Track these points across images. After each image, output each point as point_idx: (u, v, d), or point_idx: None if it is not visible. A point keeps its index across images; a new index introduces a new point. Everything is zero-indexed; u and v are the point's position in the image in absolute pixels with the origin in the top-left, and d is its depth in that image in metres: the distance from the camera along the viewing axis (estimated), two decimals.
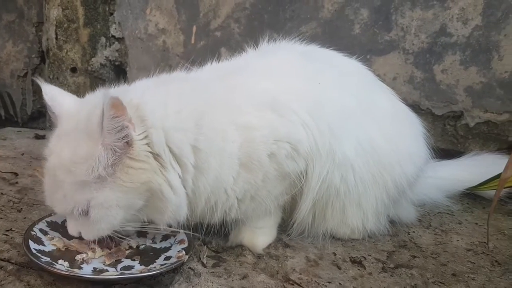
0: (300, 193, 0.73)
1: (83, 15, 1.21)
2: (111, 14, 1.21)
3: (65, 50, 1.25)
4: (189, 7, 1.17)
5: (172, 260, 0.65)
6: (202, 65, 0.83)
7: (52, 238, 0.68)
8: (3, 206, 0.81)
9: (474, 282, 0.68)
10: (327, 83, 0.75)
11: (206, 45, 1.19)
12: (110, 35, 1.22)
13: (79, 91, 1.27)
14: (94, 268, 0.63)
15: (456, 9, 1.11)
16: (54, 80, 1.27)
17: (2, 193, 0.85)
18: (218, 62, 0.82)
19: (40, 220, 0.72)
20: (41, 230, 0.69)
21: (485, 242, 0.84)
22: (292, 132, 0.68)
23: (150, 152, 0.59)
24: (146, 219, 0.63)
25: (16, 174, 0.95)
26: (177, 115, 0.62)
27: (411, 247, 0.80)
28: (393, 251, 0.78)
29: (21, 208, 0.81)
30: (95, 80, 1.23)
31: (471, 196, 1.07)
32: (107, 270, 0.62)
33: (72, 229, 0.63)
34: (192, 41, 1.18)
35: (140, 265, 0.64)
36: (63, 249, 0.66)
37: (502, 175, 0.77)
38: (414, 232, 0.87)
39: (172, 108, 0.62)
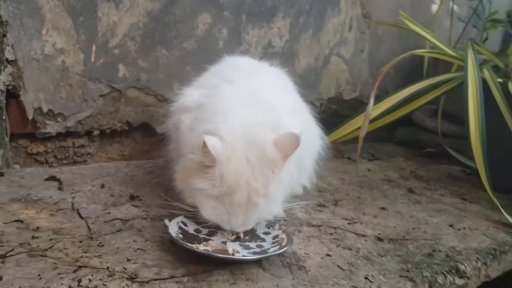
0: None
1: None
2: (4, 35, 1.11)
3: None
4: (88, 27, 1.21)
5: (283, 235, 0.90)
6: None
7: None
8: (66, 249, 0.80)
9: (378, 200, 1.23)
10: (292, 90, 1.12)
11: (105, 62, 1.26)
12: (5, 58, 1.12)
13: None
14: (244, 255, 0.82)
15: (276, 28, 1.59)
16: None
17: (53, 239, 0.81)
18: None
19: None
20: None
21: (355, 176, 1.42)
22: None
23: None
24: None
25: (21, 221, 0.87)
26: None
27: (333, 190, 1.28)
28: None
29: (101, 244, 0.83)
30: None
31: None
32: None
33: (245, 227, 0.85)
34: (92, 59, 1.24)
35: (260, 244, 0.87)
36: (212, 250, 0.81)
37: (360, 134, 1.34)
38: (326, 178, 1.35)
39: None
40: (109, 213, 0.97)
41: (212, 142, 0.79)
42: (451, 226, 1.14)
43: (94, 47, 1.23)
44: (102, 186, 1.11)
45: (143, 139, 1.46)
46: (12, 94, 1.17)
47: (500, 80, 1.41)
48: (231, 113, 0.89)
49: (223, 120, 0.87)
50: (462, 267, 0.95)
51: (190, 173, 0.84)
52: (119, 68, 1.29)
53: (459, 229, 1.13)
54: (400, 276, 0.86)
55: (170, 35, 1.35)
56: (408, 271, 0.88)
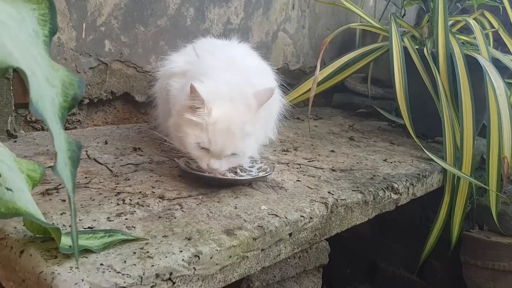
0: None
1: None
2: None
3: None
4: (78, 7, 1.39)
5: (265, 166, 1.16)
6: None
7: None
8: (101, 182, 1.02)
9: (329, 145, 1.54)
10: (260, 59, 1.38)
11: (94, 38, 1.45)
12: None
13: None
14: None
15: (233, 7, 1.83)
16: None
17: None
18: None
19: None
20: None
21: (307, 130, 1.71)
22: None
23: None
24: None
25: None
26: None
27: (292, 140, 1.57)
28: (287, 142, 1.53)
29: (127, 178, 1.05)
30: None
31: None
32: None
33: (220, 165, 1.05)
34: (83, 36, 1.42)
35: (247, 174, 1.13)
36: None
37: (311, 94, 1.63)
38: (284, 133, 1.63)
39: None
40: (121, 160, 1.19)
41: (200, 86, 1.03)
42: (385, 160, 1.47)
43: (84, 25, 1.41)
44: (106, 143, 1.32)
45: (123, 107, 1.66)
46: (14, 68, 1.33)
47: (417, 47, 1.76)
48: (215, 75, 1.12)
49: (209, 78, 1.10)
50: (396, 185, 1.27)
51: (181, 115, 1.06)
52: (105, 43, 1.48)
53: (391, 162, 1.46)
54: (353, 191, 1.16)
55: (147, 13, 1.55)
56: (357, 187, 1.19)
